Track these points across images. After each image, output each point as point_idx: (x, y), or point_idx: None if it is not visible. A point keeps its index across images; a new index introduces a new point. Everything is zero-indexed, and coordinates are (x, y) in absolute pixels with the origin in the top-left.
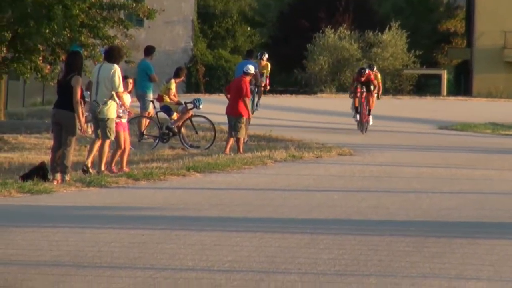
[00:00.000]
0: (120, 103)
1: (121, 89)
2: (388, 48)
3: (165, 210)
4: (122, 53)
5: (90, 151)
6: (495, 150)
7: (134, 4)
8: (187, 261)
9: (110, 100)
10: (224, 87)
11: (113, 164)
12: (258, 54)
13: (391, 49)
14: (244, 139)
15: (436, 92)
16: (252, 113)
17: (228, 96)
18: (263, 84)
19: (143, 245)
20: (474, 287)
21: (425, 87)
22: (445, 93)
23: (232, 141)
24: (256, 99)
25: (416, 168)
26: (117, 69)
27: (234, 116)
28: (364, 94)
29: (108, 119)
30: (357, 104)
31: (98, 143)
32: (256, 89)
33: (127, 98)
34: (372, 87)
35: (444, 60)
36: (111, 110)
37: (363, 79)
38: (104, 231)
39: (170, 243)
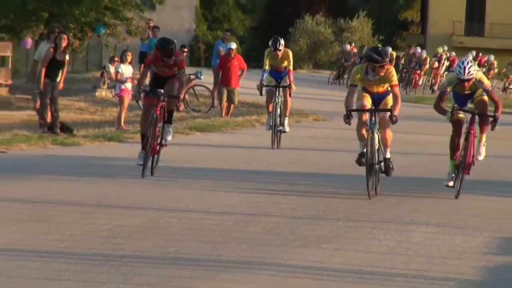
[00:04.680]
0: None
1: None
2: (356, 33)
3: (172, 162)
4: None
5: None
6: (439, 119)
7: None
8: (189, 204)
9: None
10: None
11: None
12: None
13: (358, 34)
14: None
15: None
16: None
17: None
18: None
19: (153, 191)
20: (425, 231)
21: None
22: None
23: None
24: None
25: None
26: None
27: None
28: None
29: None
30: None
31: None
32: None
33: (128, 69)
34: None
35: (402, 44)
36: None
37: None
38: (122, 179)
39: (176, 190)
